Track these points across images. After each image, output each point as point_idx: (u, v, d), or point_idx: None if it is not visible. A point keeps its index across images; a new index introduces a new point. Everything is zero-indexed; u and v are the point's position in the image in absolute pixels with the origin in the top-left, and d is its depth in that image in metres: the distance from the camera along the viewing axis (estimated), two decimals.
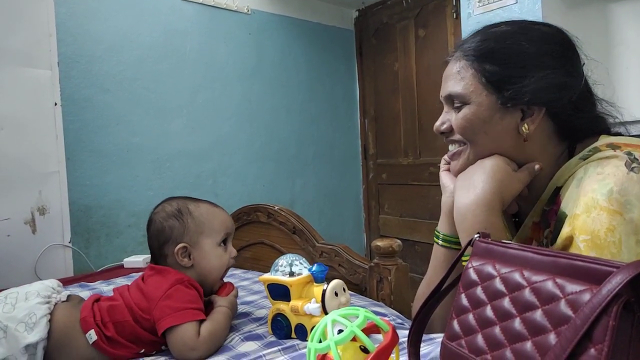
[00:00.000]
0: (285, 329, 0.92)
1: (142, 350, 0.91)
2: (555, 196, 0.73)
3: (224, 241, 1.03)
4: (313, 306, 0.86)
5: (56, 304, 0.90)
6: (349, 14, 3.23)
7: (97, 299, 0.94)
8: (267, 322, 0.97)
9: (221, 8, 2.49)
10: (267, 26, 2.72)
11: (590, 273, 0.42)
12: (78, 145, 1.97)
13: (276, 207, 1.56)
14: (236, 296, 1.05)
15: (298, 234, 1.45)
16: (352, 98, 3.26)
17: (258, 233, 1.62)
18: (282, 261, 0.96)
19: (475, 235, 0.59)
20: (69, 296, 0.95)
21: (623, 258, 0.59)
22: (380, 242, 1.17)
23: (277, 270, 0.95)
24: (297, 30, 2.89)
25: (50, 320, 0.85)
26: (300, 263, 0.95)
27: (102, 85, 2.06)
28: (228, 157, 2.54)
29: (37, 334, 0.82)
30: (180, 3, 2.33)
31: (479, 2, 1.96)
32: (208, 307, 0.98)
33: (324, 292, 0.86)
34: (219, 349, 0.90)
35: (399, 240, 1.17)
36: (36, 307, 0.85)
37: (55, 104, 1.75)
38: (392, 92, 3.03)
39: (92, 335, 0.86)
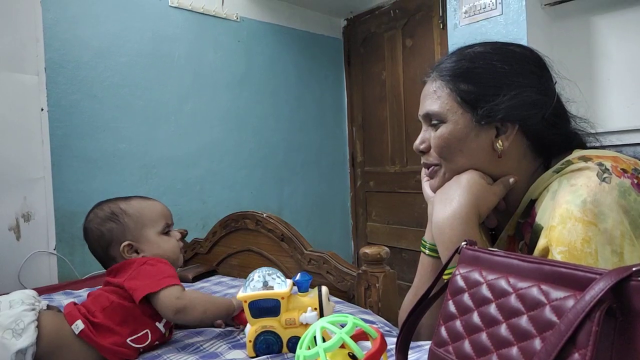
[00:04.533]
0: (275, 345, 0.87)
1: (131, 338, 0.90)
2: (530, 209, 0.75)
3: (167, 232, 1.04)
4: (310, 314, 0.84)
5: (40, 311, 0.89)
6: (338, 23, 3.26)
7: (76, 303, 0.94)
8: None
9: (210, 15, 2.49)
10: (256, 34, 2.73)
11: (574, 280, 0.43)
12: (64, 151, 1.94)
13: (264, 215, 1.56)
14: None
15: (286, 242, 1.45)
16: (340, 106, 3.28)
17: (246, 240, 1.62)
18: (255, 276, 0.90)
19: (463, 243, 0.60)
20: (47, 306, 0.94)
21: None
22: (368, 250, 1.17)
23: (253, 287, 0.88)
24: (286, 38, 2.90)
25: (37, 327, 0.84)
26: (278, 277, 0.90)
27: (89, 91, 2.04)
28: (216, 164, 2.53)
29: (26, 339, 0.80)
30: (169, 9, 2.33)
31: (464, 13, 1.99)
32: None
33: (320, 297, 0.85)
34: (204, 314, 0.94)
35: (386, 248, 1.18)
36: (23, 314, 0.83)
37: (42, 110, 1.74)
38: (380, 101, 3.05)
39: (79, 325, 0.86)
